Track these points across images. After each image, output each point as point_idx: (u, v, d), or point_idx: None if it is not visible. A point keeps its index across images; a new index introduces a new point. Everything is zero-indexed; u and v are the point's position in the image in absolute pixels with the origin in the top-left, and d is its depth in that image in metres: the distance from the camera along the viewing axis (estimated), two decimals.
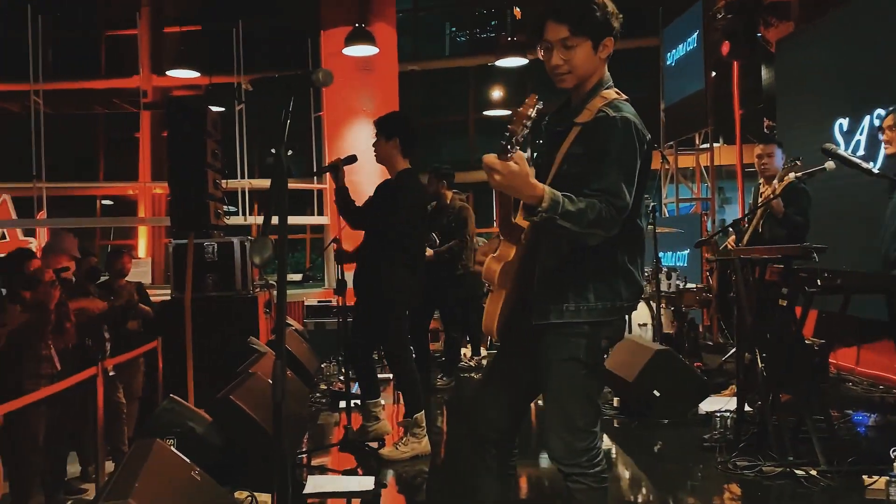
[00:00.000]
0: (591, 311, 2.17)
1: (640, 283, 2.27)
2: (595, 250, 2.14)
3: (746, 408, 4.23)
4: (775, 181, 4.84)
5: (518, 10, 11.82)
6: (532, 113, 1.98)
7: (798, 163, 4.66)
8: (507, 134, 1.96)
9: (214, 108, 5.66)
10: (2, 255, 4.72)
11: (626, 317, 2.38)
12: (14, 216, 13.27)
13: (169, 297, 5.28)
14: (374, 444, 4.27)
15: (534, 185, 1.98)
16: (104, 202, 17.38)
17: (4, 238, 12.75)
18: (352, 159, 4.26)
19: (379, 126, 4.22)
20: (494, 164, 1.95)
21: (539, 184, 2.00)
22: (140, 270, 12.86)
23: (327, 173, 5.08)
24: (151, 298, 5.79)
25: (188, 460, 2.68)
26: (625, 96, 2.23)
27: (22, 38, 11.13)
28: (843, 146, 5.93)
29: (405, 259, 4.10)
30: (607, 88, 2.23)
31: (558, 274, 2.19)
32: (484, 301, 7.79)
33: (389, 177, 4.26)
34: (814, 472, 3.47)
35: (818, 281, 3.53)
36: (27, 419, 3.95)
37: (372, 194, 4.35)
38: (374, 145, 4.23)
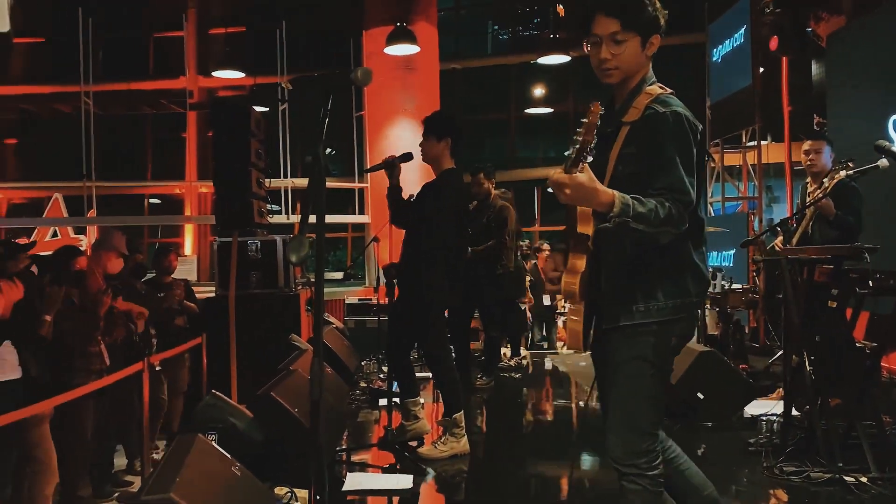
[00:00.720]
0: (660, 310, 2.16)
1: (707, 277, 2.25)
2: (660, 248, 2.12)
3: (794, 412, 4.12)
4: (825, 179, 4.69)
5: (561, 6, 11.73)
6: (599, 121, 1.98)
7: (850, 164, 4.51)
8: (578, 146, 1.94)
9: (258, 109, 5.73)
10: (49, 253, 4.83)
11: (697, 312, 2.34)
12: (65, 214, 13.71)
13: (213, 294, 5.36)
14: (414, 443, 4.27)
15: (603, 192, 1.98)
16: (152, 201, 17.79)
17: (56, 236, 13.16)
18: (408, 157, 4.18)
19: (429, 126, 4.15)
20: (562, 179, 1.95)
21: (607, 189, 1.99)
22: (186, 268, 13.16)
23: (370, 173, 5.09)
24: (197, 295, 5.88)
25: (229, 455, 2.72)
26: (669, 90, 2.22)
27: (73, 40, 11.44)
28: None
29: (447, 258, 4.08)
30: (651, 85, 2.22)
31: (625, 276, 2.17)
32: (522, 301, 7.76)
33: (433, 176, 4.23)
34: (864, 479, 3.37)
35: (870, 282, 3.44)
36: (76, 413, 4.04)
37: (416, 193, 4.32)
38: (421, 145, 4.18)
